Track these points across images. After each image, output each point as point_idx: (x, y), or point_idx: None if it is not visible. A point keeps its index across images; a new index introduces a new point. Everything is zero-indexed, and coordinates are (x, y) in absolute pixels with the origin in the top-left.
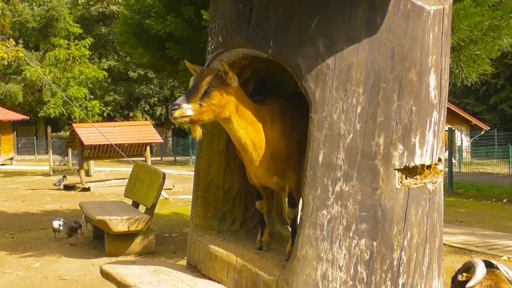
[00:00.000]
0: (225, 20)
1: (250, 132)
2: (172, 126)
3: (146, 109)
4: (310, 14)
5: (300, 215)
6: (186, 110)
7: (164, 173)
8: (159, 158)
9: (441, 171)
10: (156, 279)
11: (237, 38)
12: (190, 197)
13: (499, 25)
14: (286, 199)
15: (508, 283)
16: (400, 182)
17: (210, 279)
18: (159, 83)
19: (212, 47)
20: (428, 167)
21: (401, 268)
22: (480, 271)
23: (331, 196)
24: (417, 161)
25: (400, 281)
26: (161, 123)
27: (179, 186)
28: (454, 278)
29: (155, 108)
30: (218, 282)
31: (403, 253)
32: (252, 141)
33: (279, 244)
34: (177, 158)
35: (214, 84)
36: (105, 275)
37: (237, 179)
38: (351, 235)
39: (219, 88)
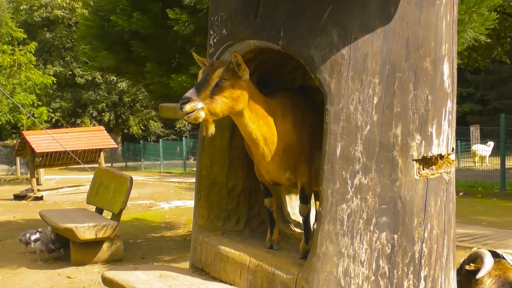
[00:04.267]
0: (230, 11)
1: (262, 127)
2: (121, 132)
3: (94, 115)
4: (322, 3)
5: (319, 211)
6: (197, 103)
7: (131, 178)
8: (109, 164)
9: (453, 161)
10: (166, 284)
11: (243, 30)
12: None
13: (463, 19)
14: (289, 197)
15: None
16: (418, 173)
17: (221, 281)
18: (107, 88)
19: (215, 40)
20: (441, 157)
21: (422, 261)
22: (489, 261)
23: (350, 190)
24: (435, 151)
25: (422, 274)
26: (110, 129)
27: (134, 192)
28: (459, 270)
29: (103, 114)
30: (231, 284)
31: (424, 245)
32: (263, 135)
33: (284, 242)
34: (128, 163)
35: (226, 76)
36: (109, 282)
37: (241, 176)
38: (371, 228)
39: (231, 80)
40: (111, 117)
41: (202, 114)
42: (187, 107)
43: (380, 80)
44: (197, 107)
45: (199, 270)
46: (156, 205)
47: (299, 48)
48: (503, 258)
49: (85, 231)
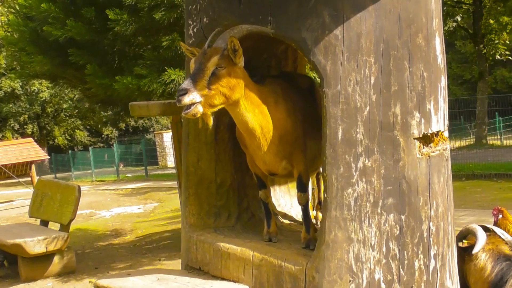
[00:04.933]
0: None
1: (257, 115)
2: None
3: (15, 128)
4: None
5: (324, 197)
6: (195, 96)
7: (79, 186)
8: (37, 177)
9: (447, 137)
10: (167, 287)
11: (227, 16)
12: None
13: None
14: (273, 188)
15: (506, 244)
16: (420, 151)
17: (223, 279)
18: (28, 100)
19: (195, 30)
20: (436, 134)
21: (431, 239)
22: (482, 235)
23: (354, 173)
24: (434, 128)
25: (432, 253)
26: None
27: None
28: None
29: (25, 126)
30: (235, 281)
31: (431, 223)
32: (259, 124)
33: (279, 234)
34: (57, 174)
35: (222, 64)
36: None
37: (228, 171)
38: (379, 211)
39: (227, 68)
40: (35, 129)
41: (200, 109)
42: (186, 100)
43: (376, 59)
44: (196, 101)
45: (196, 270)
46: (96, 214)
47: (289, 31)
48: (494, 231)
49: (35, 245)
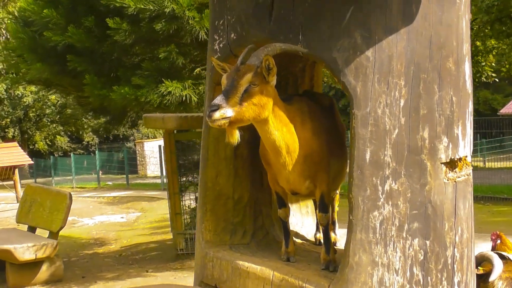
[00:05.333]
0: (240, 14)
1: (285, 134)
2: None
3: None
4: (343, 5)
5: (349, 219)
6: (226, 111)
7: (70, 194)
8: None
9: (470, 162)
10: None
11: (256, 33)
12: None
13: None
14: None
15: None
16: (446, 176)
17: None
18: (12, 104)
19: (221, 45)
20: (460, 159)
21: (455, 266)
22: (499, 263)
23: (381, 196)
24: (461, 153)
25: (456, 280)
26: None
27: None
28: None
29: (7, 130)
30: None
31: (455, 250)
32: (286, 143)
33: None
34: (37, 179)
35: (255, 81)
36: None
37: (246, 187)
38: (404, 235)
39: (260, 86)
40: (16, 133)
41: (227, 121)
42: (217, 115)
43: (406, 82)
44: (226, 115)
45: (211, 287)
46: (79, 221)
47: (320, 51)
48: (510, 259)
49: (24, 251)
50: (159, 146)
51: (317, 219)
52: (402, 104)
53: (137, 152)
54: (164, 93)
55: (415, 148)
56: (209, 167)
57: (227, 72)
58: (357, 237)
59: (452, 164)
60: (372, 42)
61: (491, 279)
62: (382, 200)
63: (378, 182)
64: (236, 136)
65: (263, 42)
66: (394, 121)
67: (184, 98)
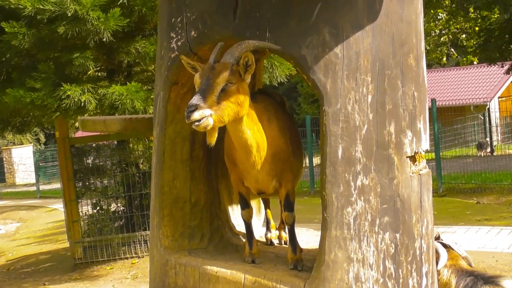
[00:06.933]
0: (201, 11)
1: (256, 133)
2: None
3: None
4: (310, 1)
5: (324, 217)
6: (205, 111)
7: None
8: None
9: (424, 156)
10: None
11: (220, 30)
12: None
13: None
14: (231, 207)
15: (463, 259)
16: (410, 169)
17: None
18: None
19: (179, 43)
20: (416, 153)
21: (423, 257)
22: (444, 252)
23: (354, 192)
24: (424, 147)
25: (424, 270)
26: None
27: None
28: None
29: None
30: None
31: (423, 241)
32: (257, 142)
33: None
34: None
35: (232, 80)
36: None
37: (202, 189)
38: (376, 230)
39: (236, 84)
40: None
41: (211, 121)
42: (196, 115)
43: (372, 78)
44: (205, 114)
45: None
46: None
47: (289, 48)
48: (450, 247)
49: None
50: (33, 152)
51: (267, 218)
52: (369, 100)
53: (4, 159)
54: (63, 96)
55: (383, 143)
56: (165, 170)
57: (199, 71)
58: (332, 234)
59: (413, 158)
60: (340, 39)
61: (438, 268)
62: (355, 196)
63: (351, 178)
64: (215, 137)
65: (227, 39)
66: (363, 117)
67: (82, 103)
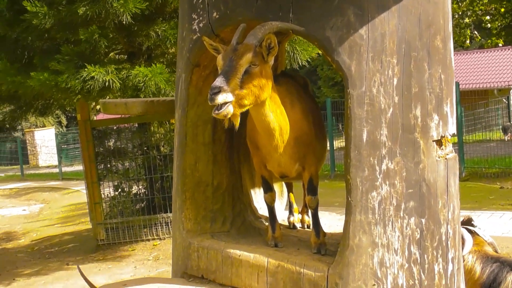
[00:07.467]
0: None
1: (279, 116)
2: None
3: None
4: None
5: (348, 201)
6: (228, 95)
7: None
8: None
9: (450, 140)
10: None
11: (242, 12)
12: None
13: None
14: (253, 191)
15: (489, 245)
16: (437, 153)
17: (233, 287)
18: None
19: (201, 25)
20: (443, 137)
21: (449, 243)
22: (469, 238)
23: (379, 176)
24: (451, 131)
25: (450, 256)
26: None
27: None
28: None
29: None
30: None
31: (449, 226)
32: (279, 125)
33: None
34: None
35: (255, 62)
36: None
37: (225, 173)
38: (401, 215)
39: (260, 67)
40: None
41: (231, 109)
42: (219, 99)
43: (398, 61)
44: (228, 100)
45: (198, 278)
46: None
47: (313, 30)
48: (476, 233)
49: None
50: (55, 135)
51: (289, 201)
52: (395, 82)
53: (28, 141)
54: (87, 78)
55: (409, 126)
56: (187, 153)
57: (221, 52)
58: (357, 218)
59: (439, 142)
60: (365, 20)
61: (463, 254)
62: (380, 180)
63: (376, 162)
64: (237, 123)
65: (250, 21)
66: (389, 100)
67: (106, 83)
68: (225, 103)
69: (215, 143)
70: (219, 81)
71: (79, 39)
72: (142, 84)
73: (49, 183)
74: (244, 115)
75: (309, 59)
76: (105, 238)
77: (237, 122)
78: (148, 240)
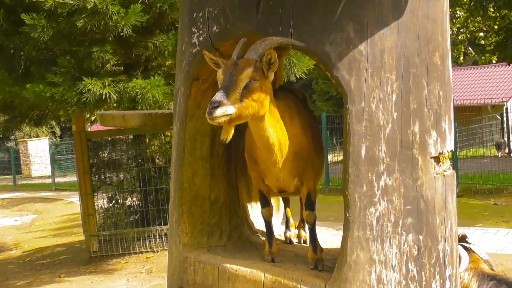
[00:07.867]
0: (223, 5)
1: (278, 131)
2: None
3: None
4: None
5: (346, 217)
6: (228, 108)
7: None
8: None
9: (448, 157)
10: None
11: (242, 26)
12: None
13: None
14: (250, 205)
15: (485, 263)
16: (435, 170)
17: None
18: None
19: (201, 38)
20: (441, 153)
21: (446, 260)
22: (465, 255)
23: (377, 192)
24: (449, 147)
25: (447, 273)
26: None
27: None
28: None
29: None
30: None
31: (446, 243)
32: (279, 140)
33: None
34: None
35: (255, 77)
36: None
37: (222, 187)
38: (399, 231)
39: (260, 81)
40: None
41: (227, 119)
42: (218, 112)
43: (397, 77)
44: (227, 112)
45: None
46: None
47: (312, 45)
48: (472, 250)
49: None
50: (49, 145)
51: (286, 216)
52: (394, 99)
53: (21, 151)
54: (83, 90)
55: (407, 143)
56: (185, 167)
57: (222, 67)
58: (355, 234)
59: (437, 159)
60: (365, 36)
61: (459, 271)
62: (378, 196)
63: (374, 178)
64: (231, 133)
65: (250, 35)
66: (387, 116)
67: (103, 96)
68: (225, 115)
69: (213, 156)
70: (219, 96)
71: (77, 49)
72: (139, 96)
73: (42, 193)
74: (243, 129)
75: (305, 71)
76: (97, 250)
77: (229, 136)
78: (141, 252)
